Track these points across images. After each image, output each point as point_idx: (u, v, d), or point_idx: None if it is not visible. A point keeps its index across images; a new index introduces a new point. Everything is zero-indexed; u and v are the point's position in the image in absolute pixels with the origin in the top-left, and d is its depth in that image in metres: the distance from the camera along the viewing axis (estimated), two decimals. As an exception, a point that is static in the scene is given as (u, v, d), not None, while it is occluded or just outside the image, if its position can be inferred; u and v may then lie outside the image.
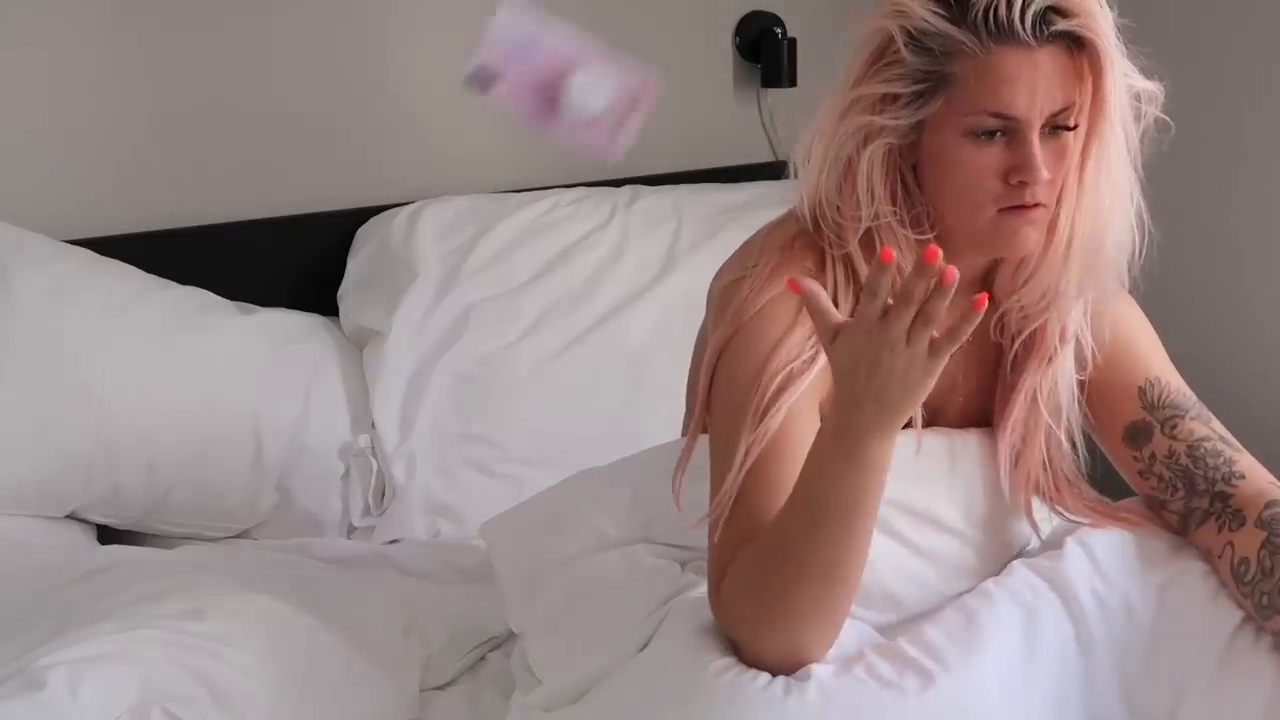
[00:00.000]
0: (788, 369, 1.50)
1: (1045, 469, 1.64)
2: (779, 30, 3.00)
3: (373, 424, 2.41)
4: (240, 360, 2.36)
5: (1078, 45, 1.49)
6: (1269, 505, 1.57)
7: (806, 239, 1.59)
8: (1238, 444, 1.64)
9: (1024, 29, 1.47)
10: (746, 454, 1.47)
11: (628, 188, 2.74)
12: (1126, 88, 1.52)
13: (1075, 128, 1.51)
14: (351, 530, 2.39)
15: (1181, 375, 1.68)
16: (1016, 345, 1.63)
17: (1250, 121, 2.61)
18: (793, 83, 2.99)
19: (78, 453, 2.21)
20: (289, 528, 2.35)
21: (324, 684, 1.78)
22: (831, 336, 1.36)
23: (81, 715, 1.62)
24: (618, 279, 2.58)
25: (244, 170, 2.57)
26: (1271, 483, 1.61)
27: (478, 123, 2.75)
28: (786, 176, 1.63)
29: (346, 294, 2.54)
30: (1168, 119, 1.56)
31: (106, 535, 2.29)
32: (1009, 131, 1.50)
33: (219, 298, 2.42)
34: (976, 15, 1.48)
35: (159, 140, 2.50)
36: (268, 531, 2.35)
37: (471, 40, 2.68)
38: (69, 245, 2.36)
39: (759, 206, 2.83)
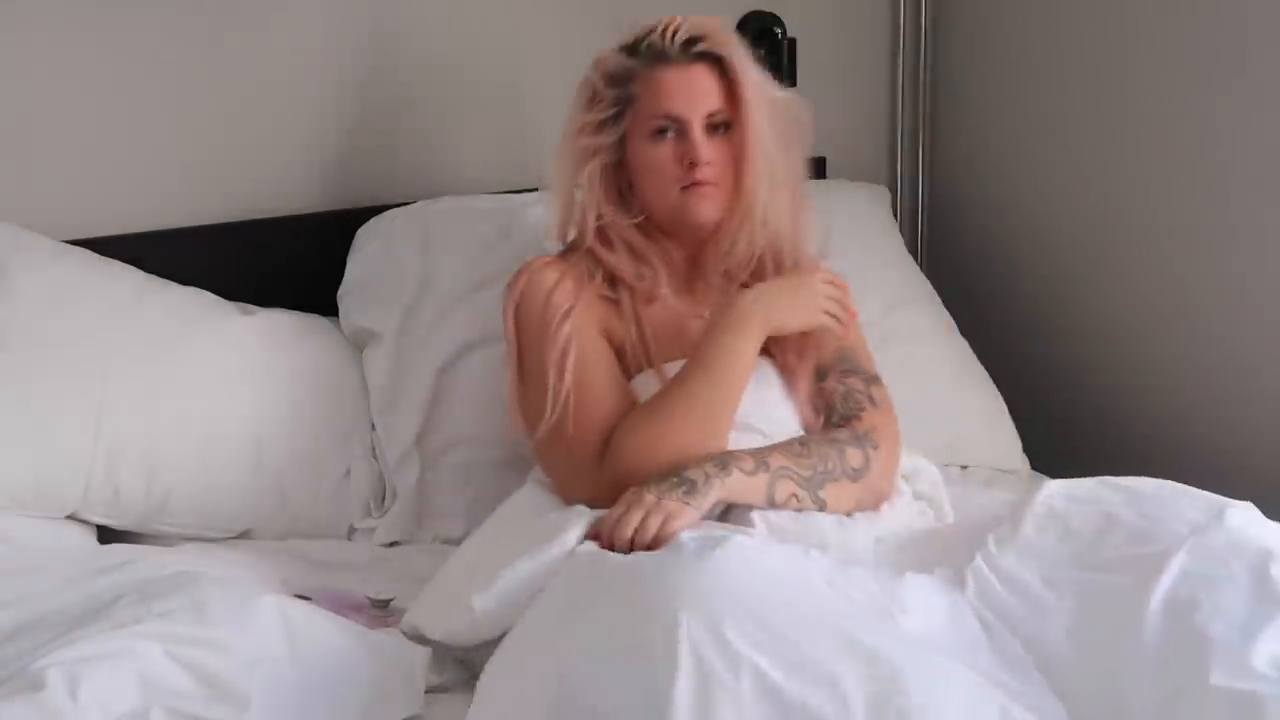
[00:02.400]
0: (565, 306, 2.07)
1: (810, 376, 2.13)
2: (779, 30, 2.99)
3: (373, 425, 2.41)
4: (241, 361, 2.35)
5: (718, 63, 2.09)
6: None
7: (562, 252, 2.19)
8: (881, 403, 2.12)
9: (675, 52, 2.09)
10: (563, 356, 2.03)
11: (628, 188, 2.75)
12: (770, 98, 2.12)
13: (730, 127, 2.09)
14: (352, 532, 2.39)
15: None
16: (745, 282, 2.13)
17: (1249, 121, 2.61)
18: (793, 83, 2.98)
19: (78, 454, 2.21)
20: (289, 529, 2.35)
21: (326, 680, 1.77)
22: None
23: (81, 716, 1.61)
24: (618, 279, 2.58)
25: (244, 170, 2.57)
26: (879, 425, 2.09)
27: (478, 123, 2.76)
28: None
29: (346, 294, 2.53)
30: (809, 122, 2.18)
31: (106, 535, 2.29)
32: (679, 131, 2.08)
33: (219, 298, 2.42)
34: (643, 47, 2.10)
35: (159, 140, 2.50)
36: (268, 533, 2.35)
37: (469, 41, 2.68)
38: (69, 245, 2.36)
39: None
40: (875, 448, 2.06)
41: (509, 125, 2.78)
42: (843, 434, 2.06)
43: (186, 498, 2.28)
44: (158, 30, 2.47)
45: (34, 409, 2.20)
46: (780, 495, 1.96)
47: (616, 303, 2.13)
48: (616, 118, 2.11)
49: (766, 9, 3.00)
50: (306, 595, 1.99)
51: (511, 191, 2.68)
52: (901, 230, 3.01)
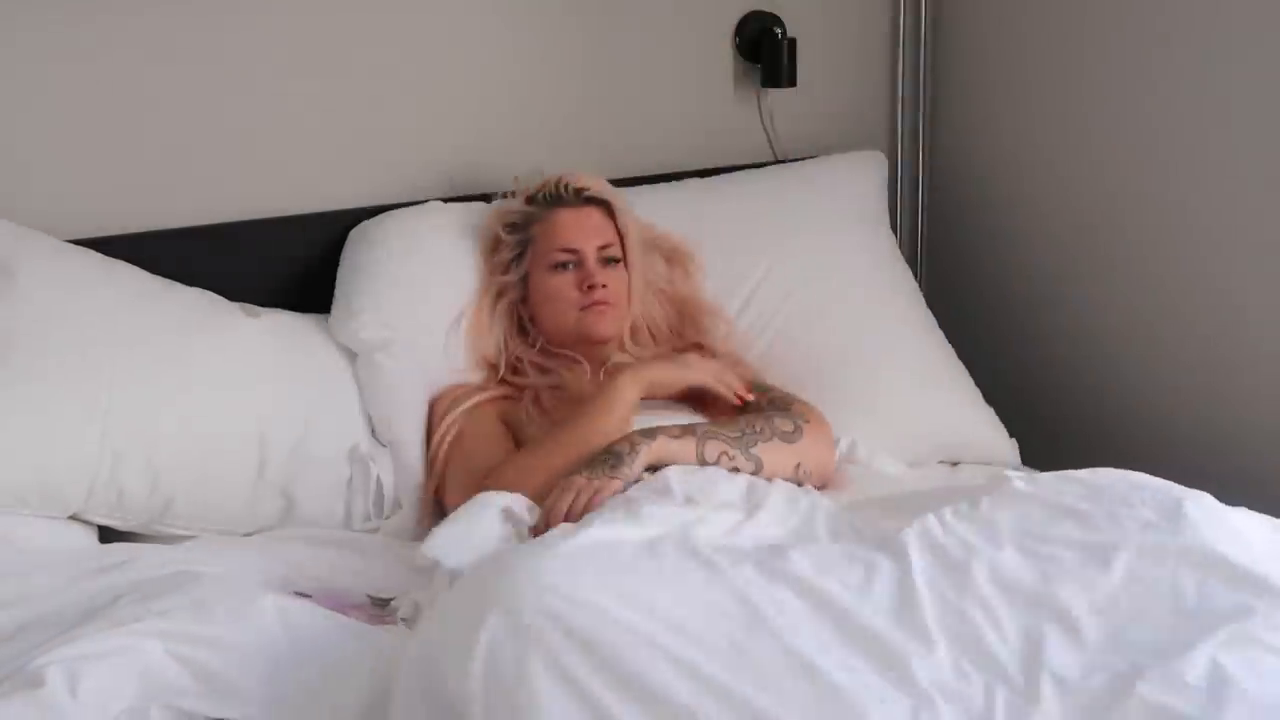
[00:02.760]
0: (459, 404, 2.38)
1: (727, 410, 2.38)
2: (779, 30, 3.00)
3: (373, 429, 2.40)
4: (246, 363, 2.34)
5: (605, 206, 2.47)
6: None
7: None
8: (797, 403, 2.36)
9: (567, 196, 2.46)
10: (451, 423, 2.35)
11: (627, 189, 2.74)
12: (646, 236, 2.53)
13: (620, 260, 2.45)
14: (354, 534, 2.39)
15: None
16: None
17: (1245, 123, 2.61)
18: (792, 83, 3.00)
19: (82, 455, 2.20)
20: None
21: (326, 678, 1.78)
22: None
23: (81, 713, 1.62)
24: (616, 279, 2.60)
25: (243, 170, 2.57)
26: (807, 408, 2.34)
27: (477, 124, 2.76)
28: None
29: (338, 299, 2.51)
30: (695, 253, 2.60)
31: (108, 534, 2.29)
32: (577, 263, 2.43)
33: (225, 300, 2.42)
34: (540, 196, 2.47)
35: (159, 139, 2.50)
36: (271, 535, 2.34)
37: (468, 41, 2.68)
38: (74, 246, 2.36)
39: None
40: (806, 421, 2.28)
41: (506, 126, 2.78)
42: (769, 410, 2.30)
43: (189, 500, 2.27)
44: (156, 29, 2.47)
45: (38, 409, 2.19)
46: (711, 454, 2.15)
47: (520, 400, 2.40)
48: (518, 259, 2.46)
49: (766, 9, 3.01)
50: (306, 593, 1.99)
51: (511, 193, 2.68)
52: (899, 230, 3.01)
